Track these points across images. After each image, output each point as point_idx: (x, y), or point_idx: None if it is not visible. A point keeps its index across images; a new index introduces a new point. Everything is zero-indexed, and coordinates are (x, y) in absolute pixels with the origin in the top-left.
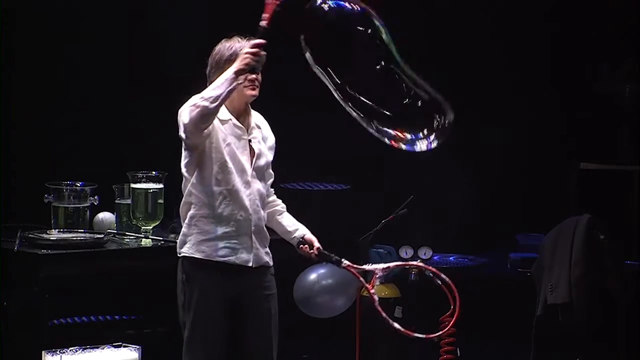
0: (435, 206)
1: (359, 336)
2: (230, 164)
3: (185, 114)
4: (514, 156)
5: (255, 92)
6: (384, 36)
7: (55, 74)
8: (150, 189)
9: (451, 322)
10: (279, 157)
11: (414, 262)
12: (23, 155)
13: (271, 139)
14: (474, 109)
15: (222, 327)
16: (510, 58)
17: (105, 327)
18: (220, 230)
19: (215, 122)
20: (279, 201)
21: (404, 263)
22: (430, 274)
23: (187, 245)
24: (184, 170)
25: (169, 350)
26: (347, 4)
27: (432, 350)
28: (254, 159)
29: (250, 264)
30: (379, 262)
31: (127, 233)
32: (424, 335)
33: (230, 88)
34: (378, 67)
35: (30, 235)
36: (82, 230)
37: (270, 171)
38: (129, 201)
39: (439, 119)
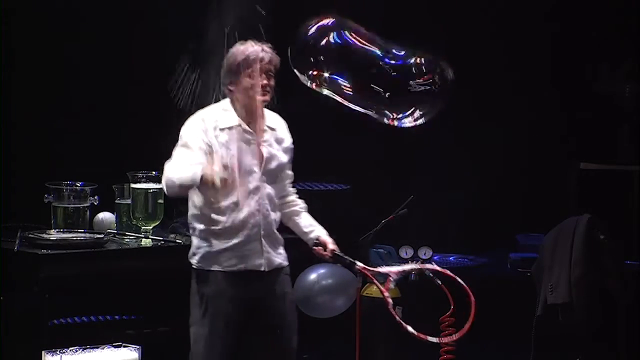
0: (435, 206)
1: (359, 336)
2: (235, 174)
3: (163, 184)
4: (514, 156)
5: (267, 98)
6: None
7: (55, 74)
8: (150, 189)
9: (466, 327)
10: None
11: (430, 265)
12: (23, 155)
13: (287, 140)
14: (474, 109)
15: (236, 335)
16: (510, 58)
17: (105, 327)
18: (230, 241)
19: (214, 136)
20: (299, 201)
21: (419, 266)
22: (437, 280)
23: (197, 257)
24: None
25: (169, 350)
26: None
27: (432, 351)
28: (264, 162)
29: (262, 269)
30: (378, 262)
31: (127, 233)
32: (437, 339)
33: (189, 184)
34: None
35: (30, 235)
36: (82, 230)
37: (289, 171)
38: (129, 201)
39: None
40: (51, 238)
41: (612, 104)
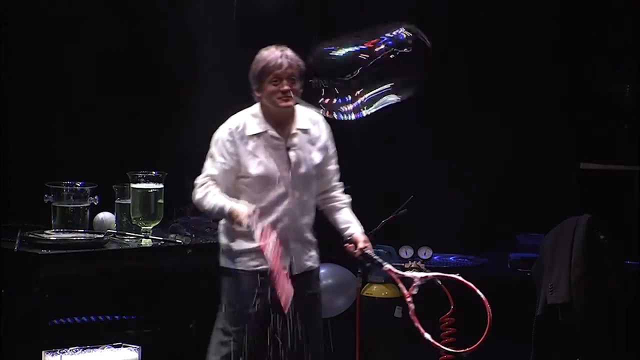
0: (435, 206)
1: (359, 336)
2: (262, 181)
3: (194, 200)
4: (514, 156)
5: (288, 103)
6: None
7: (55, 74)
8: (150, 189)
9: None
10: None
11: (453, 275)
12: (23, 155)
13: (322, 138)
14: (474, 109)
15: (261, 334)
16: (510, 58)
17: (105, 327)
18: (256, 242)
19: (243, 144)
20: (343, 197)
21: (443, 275)
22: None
23: (223, 256)
24: None
25: (169, 350)
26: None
27: (432, 350)
28: (292, 167)
29: (288, 271)
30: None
31: (127, 233)
32: (452, 350)
33: (219, 213)
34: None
35: (30, 235)
36: (82, 230)
37: (330, 167)
38: (129, 201)
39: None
40: (51, 238)
41: (612, 104)
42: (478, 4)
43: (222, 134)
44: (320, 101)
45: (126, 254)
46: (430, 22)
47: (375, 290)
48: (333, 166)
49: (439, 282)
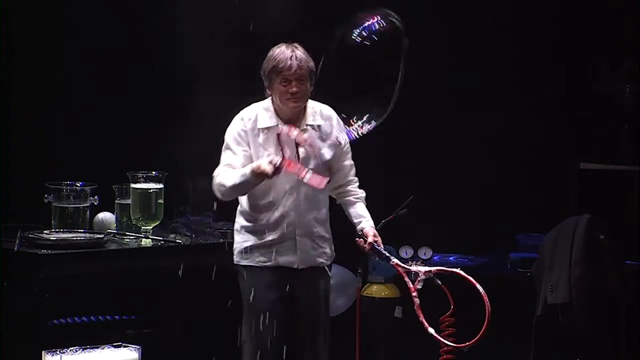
0: (435, 206)
1: (359, 336)
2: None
3: (215, 190)
4: (514, 156)
5: (297, 104)
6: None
7: (55, 74)
8: (150, 189)
9: (483, 329)
10: None
11: (455, 270)
12: (23, 155)
13: (334, 134)
14: (474, 109)
15: (276, 329)
16: (510, 58)
17: (105, 327)
18: (264, 238)
19: (254, 136)
20: (357, 191)
21: (445, 269)
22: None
23: (236, 252)
24: None
25: (169, 350)
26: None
27: (432, 350)
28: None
29: (295, 266)
30: (378, 262)
31: (127, 233)
32: (454, 344)
33: (241, 182)
34: None
35: (30, 235)
36: (82, 230)
37: (344, 162)
38: (129, 201)
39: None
40: (51, 238)
41: (612, 104)
42: (478, 4)
43: (235, 123)
44: None
45: (126, 254)
46: (431, 22)
47: (375, 290)
48: (348, 161)
49: (439, 282)
